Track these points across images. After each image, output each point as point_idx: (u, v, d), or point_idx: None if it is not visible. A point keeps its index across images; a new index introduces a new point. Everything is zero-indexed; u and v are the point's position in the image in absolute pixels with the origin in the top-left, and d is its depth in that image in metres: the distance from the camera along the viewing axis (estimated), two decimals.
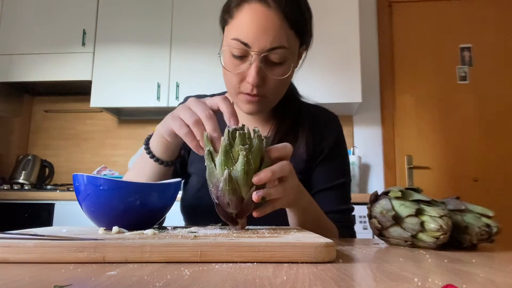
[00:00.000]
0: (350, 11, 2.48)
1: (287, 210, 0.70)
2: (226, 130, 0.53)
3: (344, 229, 0.81)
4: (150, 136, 0.71)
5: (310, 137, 0.85)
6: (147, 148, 0.70)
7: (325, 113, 0.93)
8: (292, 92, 0.91)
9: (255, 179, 0.51)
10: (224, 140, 0.51)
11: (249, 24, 0.70)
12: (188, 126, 0.59)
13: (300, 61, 0.84)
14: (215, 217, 0.68)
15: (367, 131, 2.75)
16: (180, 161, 0.88)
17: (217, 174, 0.52)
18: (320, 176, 0.85)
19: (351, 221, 0.85)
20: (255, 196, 0.51)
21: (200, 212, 0.84)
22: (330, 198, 0.83)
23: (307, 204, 0.68)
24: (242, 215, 0.54)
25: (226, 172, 0.50)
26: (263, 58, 0.71)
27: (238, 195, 0.52)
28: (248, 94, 0.74)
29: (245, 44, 0.71)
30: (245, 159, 0.50)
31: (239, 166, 0.50)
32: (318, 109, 0.93)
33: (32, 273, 0.34)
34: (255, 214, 0.55)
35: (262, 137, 0.54)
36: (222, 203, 0.53)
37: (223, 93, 0.95)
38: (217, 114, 0.60)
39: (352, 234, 0.84)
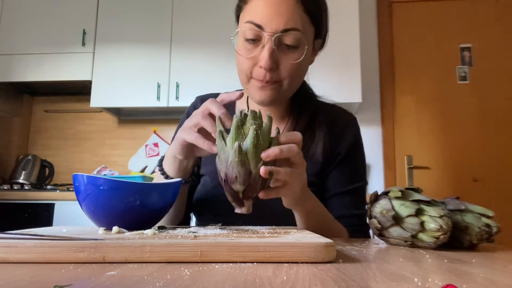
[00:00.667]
0: (350, 11, 2.48)
1: (294, 213, 0.68)
2: (238, 111, 0.55)
3: (356, 233, 0.79)
4: (163, 157, 0.72)
5: (328, 138, 0.82)
6: (161, 169, 0.70)
7: (343, 113, 0.91)
8: (307, 90, 0.89)
9: (263, 155, 0.52)
10: (236, 117, 0.53)
11: (263, 6, 0.70)
12: (196, 131, 0.60)
13: (315, 57, 0.83)
14: (227, 217, 0.68)
15: (367, 131, 2.75)
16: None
17: (227, 150, 0.53)
18: (336, 180, 0.82)
19: (366, 224, 0.82)
20: (262, 169, 0.51)
21: (213, 212, 0.83)
22: (345, 202, 0.81)
23: (313, 207, 0.67)
24: (249, 194, 0.54)
25: (236, 143, 0.51)
26: (276, 41, 0.70)
27: (247, 168, 0.52)
28: (260, 80, 0.72)
29: (258, 26, 0.70)
30: (255, 132, 0.51)
31: (248, 140, 0.52)
32: (335, 109, 0.91)
33: (32, 273, 0.34)
34: (261, 194, 0.54)
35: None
36: (230, 178, 0.53)
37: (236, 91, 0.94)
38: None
39: (367, 237, 0.82)
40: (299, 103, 0.85)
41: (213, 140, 0.58)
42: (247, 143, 0.52)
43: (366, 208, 0.84)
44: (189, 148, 0.64)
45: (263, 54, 0.70)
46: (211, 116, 0.60)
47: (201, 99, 0.94)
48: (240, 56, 0.74)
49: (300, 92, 0.83)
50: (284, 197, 0.60)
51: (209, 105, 0.60)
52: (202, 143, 0.58)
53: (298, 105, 0.85)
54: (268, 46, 0.69)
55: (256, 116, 0.54)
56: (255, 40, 0.71)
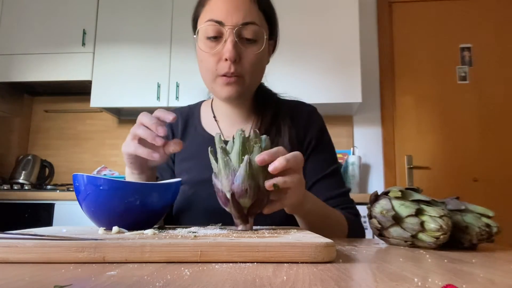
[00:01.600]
0: (350, 11, 2.48)
1: (296, 216, 0.69)
2: (238, 130, 0.56)
3: (348, 211, 0.82)
4: None
5: (293, 131, 0.86)
6: None
7: (304, 105, 0.94)
8: (267, 90, 0.93)
9: (271, 168, 0.53)
10: (239, 133, 0.55)
11: (221, 3, 0.76)
12: (136, 142, 0.63)
13: (270, 58, 0.88)
14: (206, 219, 0.71)
15: (367, 131, 2.75)
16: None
17: (233, 164, 0.53)
18: (315, 166, 0.85)
19: (352, 201, 0.86)
20: (269, 183, 0.53)
21: (192, 220, 0.83)
22: (327, 186, 0.84)
23: (312, 205, 0.68)
24: (255, 210, 0.54)
25: (246, 157, 0.52)
26: (237, 34, 0.75)
27: (256, 182, 0.53)
28: (225, 75, 0.76)
29: (219, 22, 0.75)
30: (261, 149, 0.54)
31: (255, 155, 0.53)
32: (295, 103, 0.94)
33: (32, 273, 0.34)
34: (265, 210, 0.56)
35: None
36: (238, 192, 0.53)
37: (201, 102, 0.98)
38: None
39: (357, 214, 0.85)
40: (261, 102, 0.89)
41: (153, 148, 0.62)
42: (254, 159, 0.53)
43: (347, 187, 0.87)
44: (138, 161, 0.66)
45: (227, 47, 0.74)
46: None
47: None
48: (203, 55, 0.78)
49: (261, 92, 0.89)
50: (288, 205, 0.61)
51: (141, 118, 0.63)
52: (142, 152, 0.62)
53: (261, 105, 0.89)
54: (231, 39, 0.74)
55: (258, 135, 0.56)
56: (217, 37, 0.77)
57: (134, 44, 2.66)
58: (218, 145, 0.55)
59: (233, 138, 0.56)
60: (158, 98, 2.58)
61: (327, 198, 0.80)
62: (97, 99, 2.63)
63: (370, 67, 2.78)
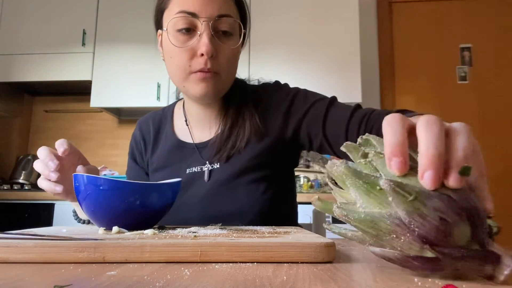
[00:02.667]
0: (350, 11, 2.48)
1: None
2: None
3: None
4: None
5: (258, 116, 0.79)
6: (75, 217, 0.79)
7: (269, 86, 0.87)
8: (237, 80, 0.86)
9: (452, 182, 0.29)
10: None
11: None
12: (44, 178, 0.64)
13: (241, 49, 0.81)
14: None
15: None
16: None
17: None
18: (330, 125, 0.75)
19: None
20: (454, 180, 0.29)
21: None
22: (354, 118, 0.72)
23: None
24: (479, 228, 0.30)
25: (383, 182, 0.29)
26: (213, 27, 0.69)
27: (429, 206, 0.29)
28: (201, 71, 0.70)
29: (192, 14, 0.69)
30: (378, 154, 0.33)
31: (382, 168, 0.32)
32: (259, 86, 0.87)
33: (32, 273, 0.34)
34: (489, 206, 0.34)
35: None
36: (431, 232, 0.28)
37: (175, 104, 0.94)
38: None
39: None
40: (228, 98, 0.82)
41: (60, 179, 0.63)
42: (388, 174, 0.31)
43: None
44: (63, 193, 0.66)
45: (203, 41, 0.68)
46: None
47: (139, 124, 0.96)
48: (174, 50, 0.71)
49: (233, 90, 0.81)
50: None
51: (38, 153, 0.64)
52: (45, 187, 0.64)
53: (228, 100, 0.82)
54: (207, 33, 0.69)
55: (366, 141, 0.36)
56: (189, 30, 0.70)
57: (134, 44, 2.66)
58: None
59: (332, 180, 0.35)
60: (158, 98, 2.58)
61: (347, 120, 0.71)
62: (97, 99, 2.63)
63: (370, 67, 2.78)
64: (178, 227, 0.62)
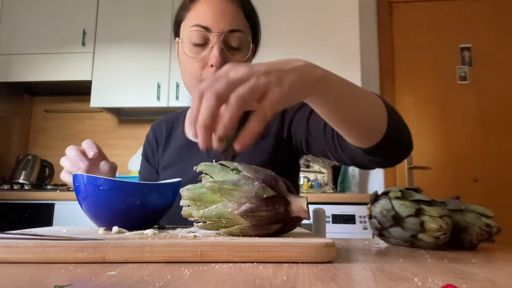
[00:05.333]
0: (350, 11, 2.48)
1: (321, 108, 0.53)
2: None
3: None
4: None
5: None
6: None
7: None
8: None
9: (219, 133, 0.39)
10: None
11: (208, 9, 0.75)
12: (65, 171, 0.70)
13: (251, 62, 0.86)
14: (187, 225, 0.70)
15: None
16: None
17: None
18: (309, 121, 0.76)
19: None
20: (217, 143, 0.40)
21: (171, 221, 0.81)
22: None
23: (339, 88, 0.51)
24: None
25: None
26: (223, 41, 0.75)
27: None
28: None
29: (206, 28, 0.74)
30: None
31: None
32: None
33: (32, 273, 0.34)
34: (237, 146, 0.41)
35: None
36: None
37: (187, 108, 0.98)
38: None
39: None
40: None
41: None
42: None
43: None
44: None
45: (213, 53, 0.74)
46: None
47: (153, 126, 1.01)
48: (188, 60, 0.77)
49: None
50: (275, 107, 0.43)
51: (67, 151, 0.69)
52: (68, 181, 0.68)
53: None
54: (217, 46, 0.74)
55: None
56: (203, 44, 0.76)
57: (134, 44, 2.66)
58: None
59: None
60: (158, 98, 2.58)
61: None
62: (97, 99, 2.63)
63: (370, 67, 2.78)
64: (178, 227, 0.62)
